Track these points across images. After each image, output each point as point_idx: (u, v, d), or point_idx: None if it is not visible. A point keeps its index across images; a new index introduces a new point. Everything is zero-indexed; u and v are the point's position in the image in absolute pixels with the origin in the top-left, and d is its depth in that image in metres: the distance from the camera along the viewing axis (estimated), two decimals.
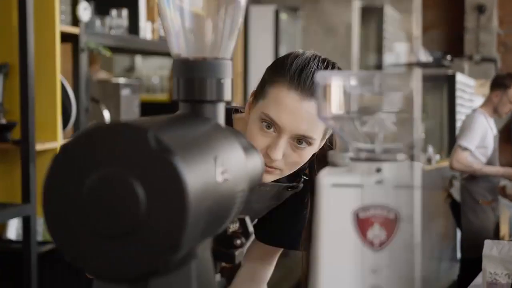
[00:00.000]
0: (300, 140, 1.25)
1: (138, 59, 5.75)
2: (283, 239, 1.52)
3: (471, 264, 4.35)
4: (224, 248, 0.86)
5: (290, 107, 1.22)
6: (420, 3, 5.98)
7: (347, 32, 5.41)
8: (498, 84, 4.37)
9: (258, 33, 4.97)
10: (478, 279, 2.14)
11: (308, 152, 1.28)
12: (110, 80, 3.16)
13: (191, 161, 0.63)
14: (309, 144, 1.26)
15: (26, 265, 2.32)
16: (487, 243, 1.97)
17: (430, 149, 6.30)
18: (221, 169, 0.69)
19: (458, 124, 6.94)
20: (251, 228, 0.87)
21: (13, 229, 2.62)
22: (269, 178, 1.30)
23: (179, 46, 0.81)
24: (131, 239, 0.60)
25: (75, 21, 2.65)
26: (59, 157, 0.62)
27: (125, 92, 3.09)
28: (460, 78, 6.95)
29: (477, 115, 4.35)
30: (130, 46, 3.14)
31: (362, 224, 0.67)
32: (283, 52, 5.81)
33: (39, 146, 2.39)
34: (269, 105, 1.25)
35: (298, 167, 1.30)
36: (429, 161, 5.70)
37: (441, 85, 6.74)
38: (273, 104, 1.24)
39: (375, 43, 7.13)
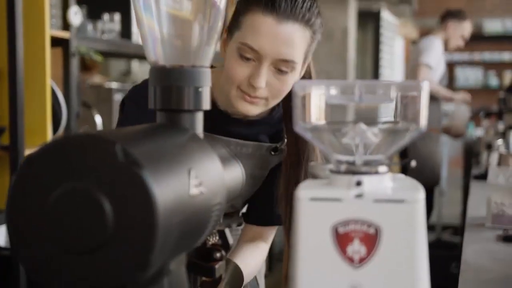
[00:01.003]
0: (281, 68, 1.24)
1: (135, 63, 5.73)
2: (269, 218, 1.48)
3: None
4: (203, 262, 0.84)
5: (267, 32, 1.21)
6: None
7: (344, 37, 5.39)
8: (453, 15, 4.45)
9: None
10: (481, 211, 1.94)
11: (291, 79, 1.27)
12: (103, 85, 3.13)
13: (162, 174, 0.60)
14: (291, 69, 1.25)
15: (15, 272, 2.29)
16: (492, 171, 1.82)
17: None
18: (196, 182, 0.66)
19: (382, 62, 7.00)
20: (231, 240, 0.85)
21: (2, 236, 2.59)
22: (254, 110, 1.28)
23: (156, 53, 0.79)
24: (97, 256, 0.58)
25: (66, 26, 2.62)
26: (24, 168, 0.60)
27: (118, 97, 3.06)
28: (385, 15, 6.96)
29: (435, 38, 4.42)
30: (122, 51, 3.11)
31: (341, 239, 0.65)
32: None
33: (28, 152, 2.35)
34: (245, 34, 1.24)
35: (282, 96, 1.29)
36: None
37: (366, 21, 6.75)
38: (250, 32, 1.23)
39: (372, 47, 7.12)
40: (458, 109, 4.66)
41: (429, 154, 4.38)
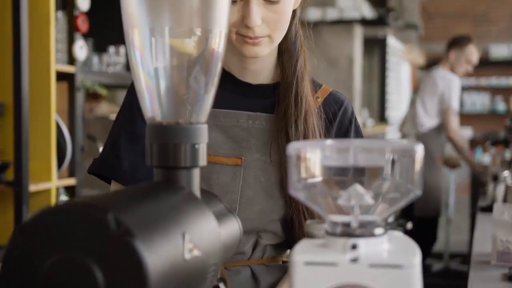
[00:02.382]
0: None
1: None
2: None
3: (423, 224, 4.36)
4: None
5: None
6: None
7: (349, 64, 5.40)
8: (455, 43, 4.45)
9: None
10: (487, 247, 1.90)
11: (286, 6, 1.20)
12: (108, 117, 3.14)
13: (155, 241, 0.60)
14: None
15: None
16: (497, 207, 1.80)
17: (365, 113, 6.24)
18: (190, 246, 0.66)
19: (389, 88, 7.01)
20: None
21: None
22: (261, 51, 1.21)
23: (153, 110, 0.79)
24: None
25: (72, 60, 2.63)
26: (17, 237, 0.60)
27: None
28: (391, 41, 6.98)
29: (450, 74, 4.40)
30: (128, 83, 3.12)
31: None
32: None
33: (32, 187, 2.35)
34: None
35: (285, 27, 1.22)
36: (364, 125, 5.82)
37: (372, 48, 6.76)
38: None
39: (378, 73, 7.14)
40: None
41: (435, 183, 4.36)
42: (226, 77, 1.28)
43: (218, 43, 0.79)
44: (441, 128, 4.37)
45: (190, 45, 0.78)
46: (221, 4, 0.78)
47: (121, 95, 5.53)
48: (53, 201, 2.47)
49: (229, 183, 1.24)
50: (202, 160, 0.78)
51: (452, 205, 5.85)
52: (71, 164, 2.63)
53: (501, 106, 9.72)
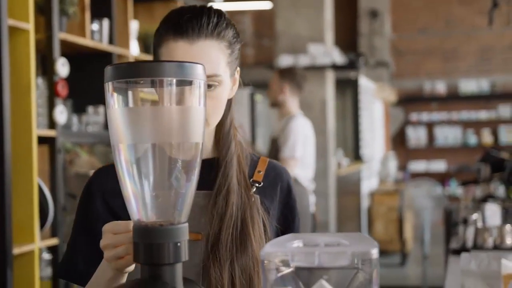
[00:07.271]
0: (208, 83, 1.20)
1: None
2: None
3: None
4: None
5: (182, 54, 1.22)
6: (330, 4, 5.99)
7: (322, 108, 5.53)
8: None
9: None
10: None
11: (221, 93, 1.26)
12: (88, 173, 3.21)
13: None
14: (219, 82, 1.25)
15: None
16: (464, 256, 1.86)
17: (340, 153, 6.38)
18: None
19: (362, 126, 7.19)
20: None
21: None
22: None
23: (139, 213, 0.88)
24: None
25: (52, 124, 2.72)
26: None
27: None
28: (362, 82, 7.20)
29: None
30: (107, 142, 3.21)
31: None
32: (259, 132, 5.90)
33: (16, 250, 2.41)
34: None
35: (220, 112, 1.28)
36: (339, 165, 5.89)
37: (345, 89, 6.94)
38: (167, 59, 1.23)
39: (351, 113, 7.30)
40: None
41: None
42: None
43: (196, 151, 0.89)
44: None
45: (171, 156, 0.87)
46: (197, 118, 0.88)
47: (100, 149, 5.59)
48: (36, 262, 2.52)
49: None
50: (184, 255, 0.87)
51: (427, 241, 5.96)
52: (53, 224, 2.69)
53: (472, 139, 9.95)
